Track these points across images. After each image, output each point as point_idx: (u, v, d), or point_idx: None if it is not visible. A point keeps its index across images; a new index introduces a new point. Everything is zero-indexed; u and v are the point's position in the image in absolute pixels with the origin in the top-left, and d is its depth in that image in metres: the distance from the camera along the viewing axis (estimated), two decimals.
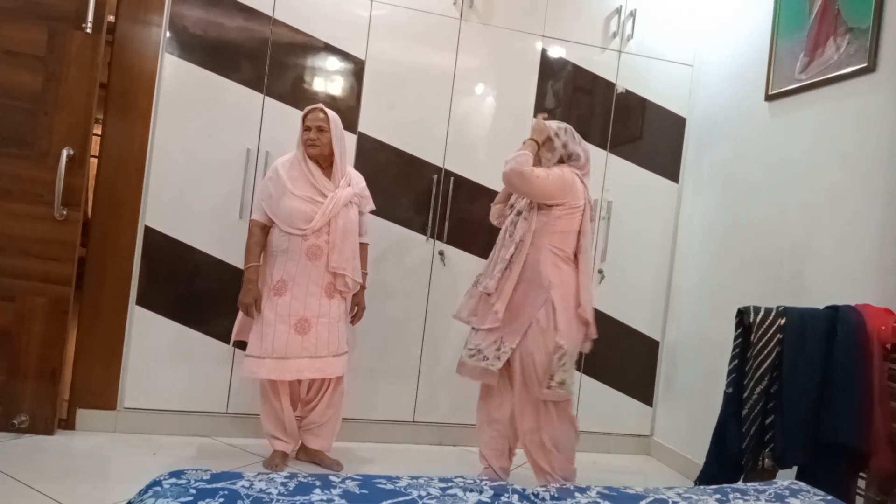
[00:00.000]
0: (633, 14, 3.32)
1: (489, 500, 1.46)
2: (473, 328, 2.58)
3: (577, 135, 2.58)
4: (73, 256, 2.78)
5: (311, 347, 2.59)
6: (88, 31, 2.72)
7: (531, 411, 2.46)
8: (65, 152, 2.72)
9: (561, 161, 2.53)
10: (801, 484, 1.72)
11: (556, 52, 3.28)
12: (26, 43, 2.72)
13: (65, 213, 2.75)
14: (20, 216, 2.73)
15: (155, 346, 2.91)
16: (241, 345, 2.81)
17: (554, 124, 2.55)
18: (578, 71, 3.31)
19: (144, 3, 2.89)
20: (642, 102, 3.38)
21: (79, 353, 2.90)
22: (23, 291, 2.75)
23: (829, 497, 1.64)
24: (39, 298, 2.76)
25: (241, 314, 2.70)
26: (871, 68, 2.38)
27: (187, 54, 2.91)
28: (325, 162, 2.69)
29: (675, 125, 3.42)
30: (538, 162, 2.52)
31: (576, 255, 2.49)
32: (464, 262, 3.16)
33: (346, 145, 2.76)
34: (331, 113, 2.67)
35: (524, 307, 2.44)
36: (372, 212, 2.90)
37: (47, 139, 2.75)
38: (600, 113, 3.35)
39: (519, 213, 2.55)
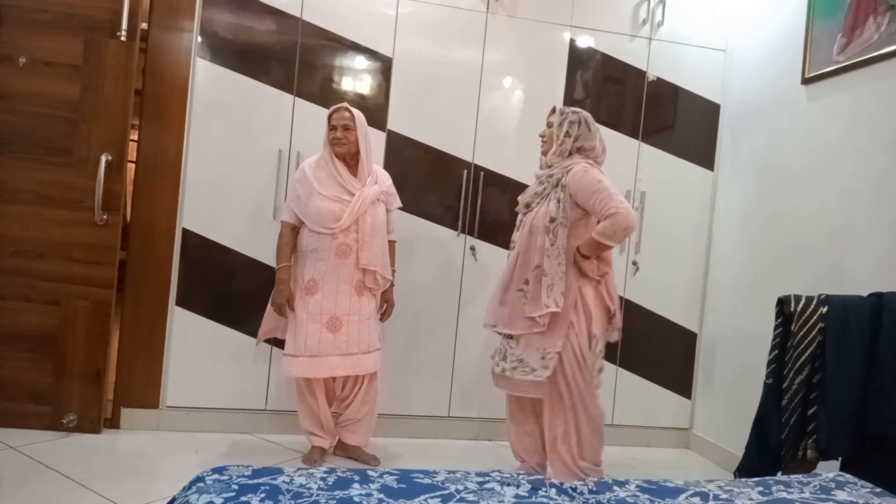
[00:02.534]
0: (662, 0, 3.27)
1: (527, 495, 1.46)
2: (505, 337, 2.51)
3: (592, 125, 2.48)
4: (114, 260, 2.85)
5: (343, 345, 2.62)
6: (123, 39, 2.78)
7: (561, 412, 2.41)
8: (103, 158, 2.79)
9: (570, 153, 2.46)
10: (848, 476, 1.68)
11: (584, 41, 3.24)
12: (64, 53, 2.80)
13: (105, 217, 2.82)
14: (62, 222, 2.81)
15: (195, 345, 2.98)
16: (277, 342, 2.85)
17: (566, 120, 2.47)
18: (608, 60, 3.27)
19: (175, 10, 2.95)
20: (674, 90, 3.32)
21: (122, 354, 2.98)
22: (67, 295, 2.83)
23: (878, 489, 1.60)
24: (83, 302, 2.84)
25: (267, 315, 2.75)
26: None
27: (218, 58, 2.95)
28: (352, 160, 2.71)
29: (708, 112, 3.36)
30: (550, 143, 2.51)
31: None
32: (495, 257, 3.14)
33: (371, 143, 2.77)
34: (356, 111, 2.69)
35: (563, 307, 2.37)
36: (401, 209, 2.91)
37: (86, 146, 2.82)
38: (631, 102, 3.30)
39: (554, 222, 2.40)
